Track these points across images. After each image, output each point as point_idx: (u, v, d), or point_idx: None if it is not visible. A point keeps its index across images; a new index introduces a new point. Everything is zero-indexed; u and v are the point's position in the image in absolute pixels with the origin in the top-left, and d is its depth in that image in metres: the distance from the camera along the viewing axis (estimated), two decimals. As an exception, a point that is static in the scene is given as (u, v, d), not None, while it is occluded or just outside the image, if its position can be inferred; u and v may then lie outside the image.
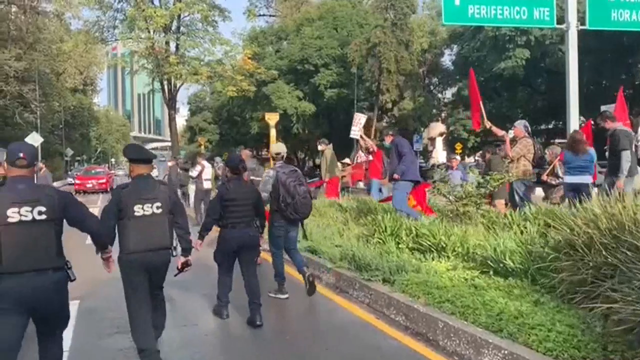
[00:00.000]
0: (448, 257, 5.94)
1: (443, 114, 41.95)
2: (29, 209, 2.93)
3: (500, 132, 8.47)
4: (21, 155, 3.02)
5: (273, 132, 16.21)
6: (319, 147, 13.46)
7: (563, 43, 23.18)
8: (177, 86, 28.32)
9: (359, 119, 13.52)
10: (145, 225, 3.76)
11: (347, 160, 17.32)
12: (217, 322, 5.14)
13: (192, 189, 14.12)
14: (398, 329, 4.72)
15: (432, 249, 6.14)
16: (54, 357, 3.25)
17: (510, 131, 8.53)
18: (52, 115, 40.48)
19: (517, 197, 7.99)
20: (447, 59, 37.29)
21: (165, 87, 28.02)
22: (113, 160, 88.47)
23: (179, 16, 27.15)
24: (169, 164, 19.41)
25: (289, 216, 5.57)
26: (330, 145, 14.04)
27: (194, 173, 12.71)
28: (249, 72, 27.09)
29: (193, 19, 27.61)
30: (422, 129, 36.88)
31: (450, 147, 38.68)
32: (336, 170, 13.16)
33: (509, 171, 7.99)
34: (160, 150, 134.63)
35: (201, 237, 5.01)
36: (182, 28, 27.72)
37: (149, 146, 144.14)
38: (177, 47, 27.41)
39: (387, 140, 8.49)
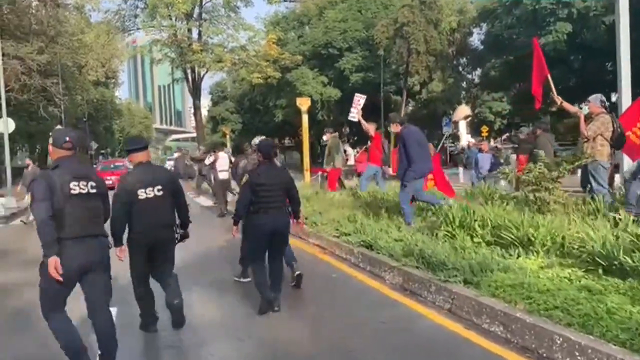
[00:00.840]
0: (537, 252, 5.13)
1: (472, 96, 40.59)
2: (85, 183, 3.44)
3: (573, 109, 7.60)
4: (67, 139, 3.50)
5: (305, 118, 15.38)
6: (324, 137, 12.66)
7: (607, 15, 21.92)
8: (201, 75, 27.70)
9: (358, 100, 12.52)
10: (150, 206, 4.15)
11: (384, 146, 16.49)
12: (274, 334, 4.44)
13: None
14: (497, 341, 3.94)
15: (516, 243, 5.33)
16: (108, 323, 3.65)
17: (583, 107, 7.60)
18: (76, 109, 40.23)
19: (593, 182, 7.10)
20: (475, 39, 35.93)
21: (189, 76, 27.41)
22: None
23: (200, 2, 26.43)
24: (176, 154, 19.22)
25: None
26: (336, 133, 13.05)
27: (207, 161, 12.85)
28: (273, 57, 26.26)
29: (215, 4, 26.90)
30: (451, 111, 35.73)
31: (475, 130, 37.49)
32: (337, 162, 12.17)
33: (584, 152, 7.12)
34: (182, 142, 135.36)
35: (235, 223, 5.06)
36: (204, 14, 27.00)
37: (170, 138, 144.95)
38: (199, 34, 26.74)
39: (393, 130, 7.37)
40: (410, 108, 38.64)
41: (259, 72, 25.69)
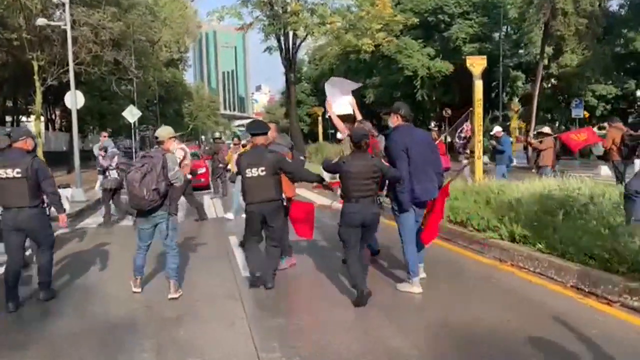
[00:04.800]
0: None
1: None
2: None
3: None
4: None
5: (479, 84, 10.75)
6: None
7: None
8: (297, 42, 23.34)
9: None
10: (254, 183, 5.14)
11: (546, 129, 11.55)
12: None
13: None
14: None
15: None
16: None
17: None
18: (147, 89, 37.65)
19: None
20: (613, 2, 29.73)
21: (283, 43, 23.13)
22: (203, 137, 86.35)
23: (298, -49, 21.91)
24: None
25: None
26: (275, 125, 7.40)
27: (179, 154, 7.75)
28: (385, 21, 21.48)
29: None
30: (582, 91, 29.72)
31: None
32: None
33: None
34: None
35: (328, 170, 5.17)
36: (302, -34, 22.52)
37: (235, 123, 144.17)
38: (298, -9, 22.38)
39: (392, 122, 5.17)
40: (523, 84, 32.66)
41: (370, 38, 21.03)
